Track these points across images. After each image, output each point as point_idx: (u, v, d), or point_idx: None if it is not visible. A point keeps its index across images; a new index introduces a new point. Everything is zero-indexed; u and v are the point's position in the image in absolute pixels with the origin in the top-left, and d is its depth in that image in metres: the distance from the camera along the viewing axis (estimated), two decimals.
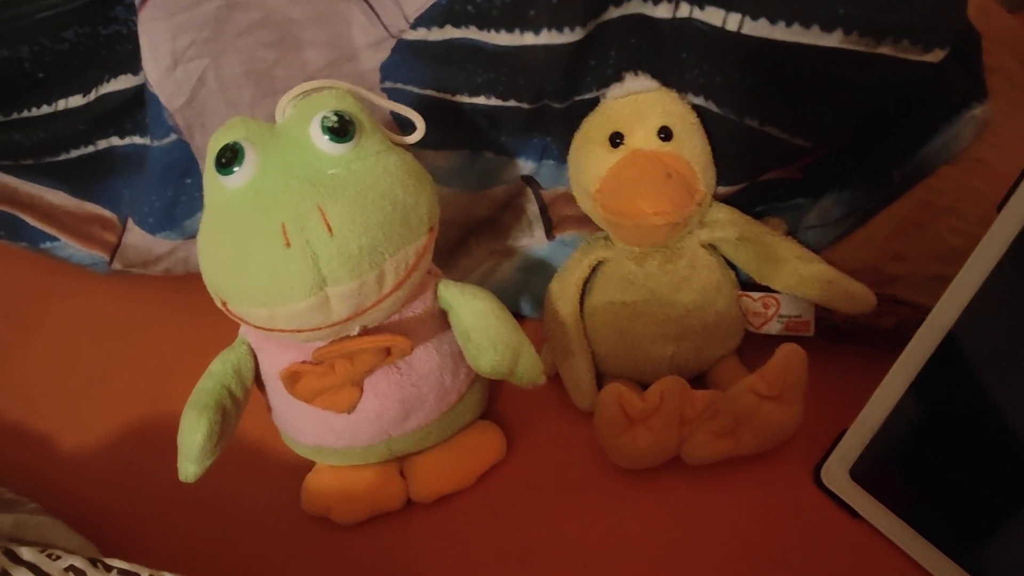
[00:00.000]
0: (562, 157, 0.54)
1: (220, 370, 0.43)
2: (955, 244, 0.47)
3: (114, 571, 0.42)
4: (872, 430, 0.44)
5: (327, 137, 0.38)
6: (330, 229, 0.36)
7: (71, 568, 0.41)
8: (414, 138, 0.42)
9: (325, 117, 0.38)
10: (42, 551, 0.42)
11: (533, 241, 0.59)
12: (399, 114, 0.50)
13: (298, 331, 0.38)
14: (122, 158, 0.60)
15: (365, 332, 0.41)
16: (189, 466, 0.41)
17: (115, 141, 0.59)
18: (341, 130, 0.38)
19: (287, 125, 0.39)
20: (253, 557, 0.49)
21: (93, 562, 0.42)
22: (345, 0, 0.50)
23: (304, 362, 0.41)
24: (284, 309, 0.37)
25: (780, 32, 0.44)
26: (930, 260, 0.48)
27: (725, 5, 0.45)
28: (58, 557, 0.42)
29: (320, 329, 0.39)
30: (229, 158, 0.37)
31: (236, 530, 0.51)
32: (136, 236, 0.62)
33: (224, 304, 0.39)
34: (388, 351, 0.41)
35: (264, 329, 0.39)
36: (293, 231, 0.35)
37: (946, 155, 0.48)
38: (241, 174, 0.37)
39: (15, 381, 0.63)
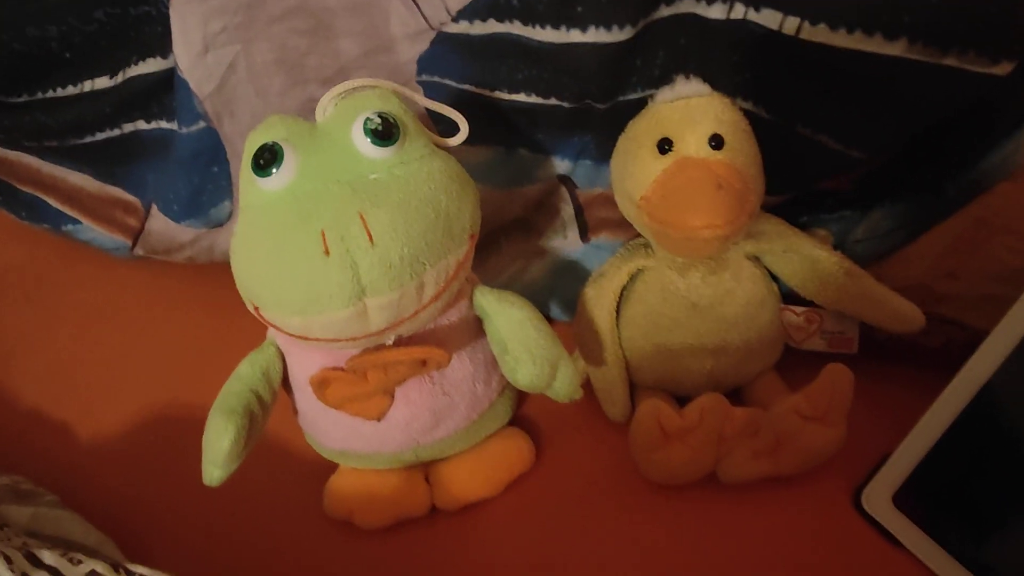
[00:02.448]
0: (600, 157, 0.52)
1: (248, 373, 0.41)
2: (1011, 264, 0.45)
3: None
4: (920, 455, 0.42)
5: (369, 140, 0.36)
6: (371, 237, 0.34)
7: (93, 573, 0.40)
8: (457, 140, 0.41)
9: (368, 119, 0.36)
10: (63, 554, 0.41)
11: (566, 243, 0.57)
12: (435, 112, 0.49)
13: (333, 340, 0.37)
14: (148, 143, 0.58)
15: (400, 341, 0.39)
16: (214, 470, 0.39)
17: (141, 125, 0.58)
18: (384, 133, 0.36)
19: (328, 125, 0.38)
20: (272, 558, 0.48)
21: (115, 567, 0.41)
22: None
23: (335, 368, 0.39)
24: (321, 319, 0.35)
25: (840, 39, 0.42)
26: (983, 280, 0.46)
27: (783, 8, 0.43)
28: (80, 561, 0.41)
29: (356, 339, 0.37)
30: (267, 159, 0.36)
31: (256, 529, 0.50)
32: (159, 223, 0.60)
33: (256, 309, 0.37)
34: (424, 362, 0.39)
35: (297, 337, 0.37)
36: (333, 239, 0.34)
37: (1004, 171, 0.46)
38: (279, 176, 0.36)
39: (35, 366, 0.62)
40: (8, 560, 0.38)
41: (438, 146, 0.40)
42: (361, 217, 0.34)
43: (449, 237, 0.37)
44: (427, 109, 0.50)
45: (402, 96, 0.39)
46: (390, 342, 0.39)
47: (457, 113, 0.41)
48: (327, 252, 0.34)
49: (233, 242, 0.38)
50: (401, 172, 0.36)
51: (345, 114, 0.37)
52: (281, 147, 0.36)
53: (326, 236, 0.34)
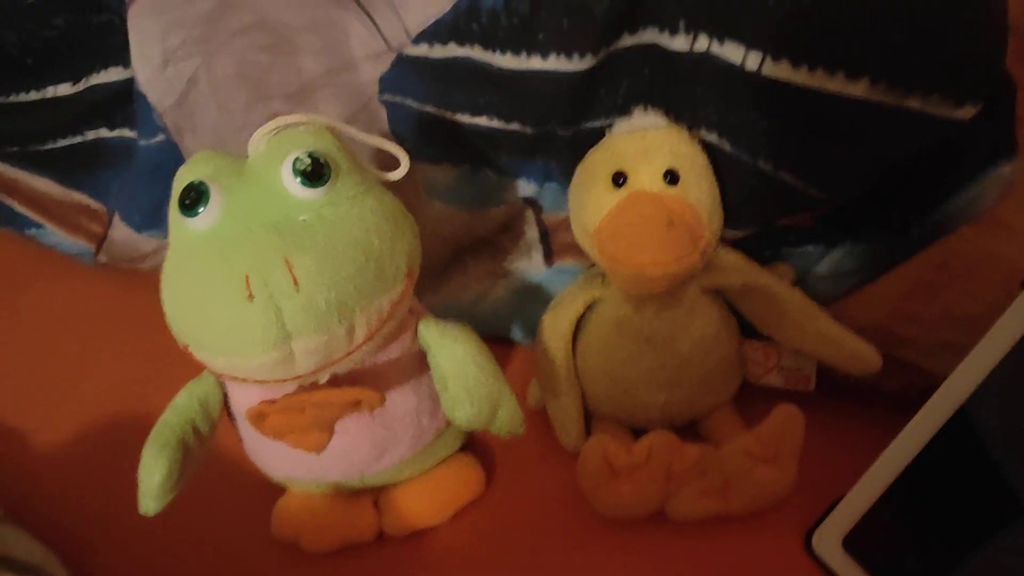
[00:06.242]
0: (566, 181, 0.51)
1: (185, 404, 0.41)
2: (970, 311, 0.44)
3: None
4: (871, 500, 0.41)
5: (299, 180, 0.35)
6: (296, 282, 0.33)
7: None
8: (396, 175, 0.40)
9: (298, 159, 0.35)
10: None
11: (530, 265, 0.56)
12: (398, 128, 0.48)
13: (261, 382, 0.36)
14: (111, 150, 0.58)
15: (336, 379, 0.38)
16: (149, 502, 0.39)
17: (104, 133, 0.57)
18: (314, 173, 0.35)
19: (257, 163, 0.37)
20: None
21: None
22: (341, 9, 0.47)
23: (272, 401, 0.38)
24: (244, 362, 0.35)
25: (802, 76, 0.41)
26: (943, 325, 0.45)
27: (746, 42, 0.42)
28: None
29: (284, 381, 0.37)
30: (193, 199, 0.35)
31: (205, 548, 0.49)
32: (122, 231, 0.60)
33: (186, 347, 0.37)
34: (357, 403, 0.38)
35: (226, 376, 0.37)
36: (256, 283, 0.33)
37: (968, 214, 0.45)
38: (204, 217, 0.35)
39: None
40: None
41: (378, 181, 0.39)
42: (286, 261, 0.33)
43: (380, 279, 0.36)
44: (391, 128, 0.49)
45: (338, 133, 0.38)
46: (324, 380, 0.38)
47: (397, 147, 0.40)
48: (250, 296, 0.33)
49: (162, 277, 0.37)
50: (330, 213, 0.35)
51: (275, 152, 0.36)
52: (207, 187, 0.35)
53: (249, 280, 0.33)
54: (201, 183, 0.35)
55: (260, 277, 0.33)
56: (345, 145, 0.38)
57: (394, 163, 0.40)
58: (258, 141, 0.37)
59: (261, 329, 0.33)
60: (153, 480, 0.38)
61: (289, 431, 0.39)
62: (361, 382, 0.39)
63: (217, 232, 0.35)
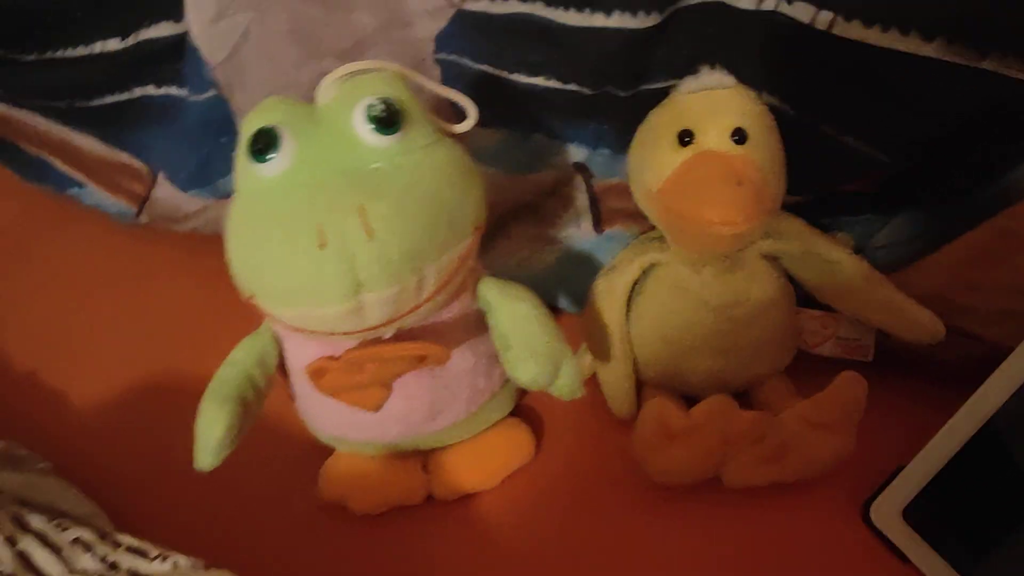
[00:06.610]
0: (618, 146, 0.50)
1: (243, 359, 0.40)
2: None
3: (122, 548, 0.40)
4: (934, 470, 0.41)
5: (372, 127, 0.34)
6: (370, 231, 0.32)
7: (79, 540, 0.40)
8: (464, 127, 0.39)
9: (371, 105, 0.34)
10: (51, 519, 0.41)
11: (579, 232, 0.55)
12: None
13: (329, 333, 0.36)
14: (157, 108, 0.57)
15: (400, 335, 0.38)
16: (206, 457, 0.38)
17: (151, 90, 0.56)
18: (388, 120, 0.34)
19: (329, 109, 0.36)
20: (263, 538, 0.47)
21: (102, 535, 0.41)
22: None
23: (332, 357, 0.38)
24: (315, 312, 0.34)
25: (874, 36, 0.40)
26: (1006, 294, 0.44)
27: (817, 1, 0.41)
28: (67, 528, 0.40)
29: (352, 333, 0.36)
30: (265, 145, 0.34)
31: (249, 509, 0.49)
32: (166, 191, 0.59)
33: (251, 298, 0.36)
34: (422, 358, 0.38)
35: (292, 328, 0.36)
36: (330, 232, 0.32)
37: None
38: (276, 163, 0.34)
39: (31, 327, 0.61)
40: None
41: (445, 133, 0.38)
42: (360, 209, 0.33)
43: (451, 231, 0.35)
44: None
45: (410, 80, 0.38)
46: (388, 336, 0.38)
47: (466, 99, 0.39)
48: (323, 245, 0.32)
49: (228, 226, 0.36)
50: (403, 162, 0.35)
51: (347, 98, 0.35)
52: (279, 132, 0.34)
53: (322, 229, 0.32)
54: (273, 128, 0.34)
55: (334, 225, 0.32)
56: (416, 95, 0.37)
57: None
58: (328, 87, 0.36)
59: (334, 279, 0.33)
60: (214, 434, 0.37)
61: (348, 388, 0.39)
62: (422, 339, 0.38)
63: (289, 179, 0.34)
